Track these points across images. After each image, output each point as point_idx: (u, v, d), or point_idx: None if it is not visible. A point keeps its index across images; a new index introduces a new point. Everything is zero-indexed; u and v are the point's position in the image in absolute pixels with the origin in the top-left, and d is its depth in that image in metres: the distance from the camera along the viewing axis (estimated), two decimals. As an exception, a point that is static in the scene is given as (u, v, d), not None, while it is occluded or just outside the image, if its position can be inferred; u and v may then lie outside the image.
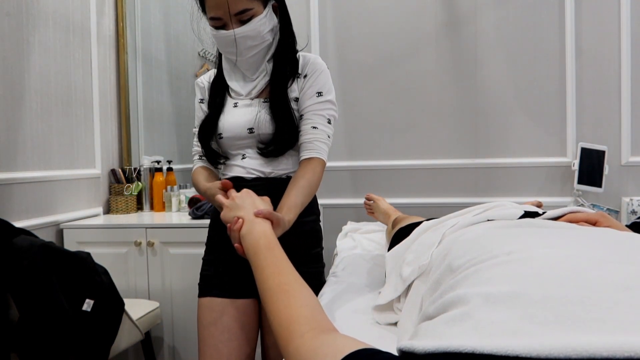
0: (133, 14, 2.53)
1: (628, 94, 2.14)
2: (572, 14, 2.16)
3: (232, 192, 0.96)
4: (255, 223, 0.82)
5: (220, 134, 1.20)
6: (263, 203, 0.90)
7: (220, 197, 0.96)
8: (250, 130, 1.16)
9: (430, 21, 2.28)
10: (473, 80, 2.26)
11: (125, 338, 1.63)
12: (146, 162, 2.50)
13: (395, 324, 0.96)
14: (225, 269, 1.22)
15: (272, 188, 1.16)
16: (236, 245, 0.83)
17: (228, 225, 0.86)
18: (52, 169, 2.03)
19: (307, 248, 1.24)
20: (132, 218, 2.21)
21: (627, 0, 2.12)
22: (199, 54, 2.94)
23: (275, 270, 0.70)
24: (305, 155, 1.14)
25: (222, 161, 1.25)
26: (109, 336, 1.52)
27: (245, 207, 0.87)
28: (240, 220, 0.84)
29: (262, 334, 1.28)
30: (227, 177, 1.23)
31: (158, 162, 2.50)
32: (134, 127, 2.53)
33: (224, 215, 0.89)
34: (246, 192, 0.92)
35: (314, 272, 1.26)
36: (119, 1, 2.47)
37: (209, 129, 1.20)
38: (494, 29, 2.24)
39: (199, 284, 1.26)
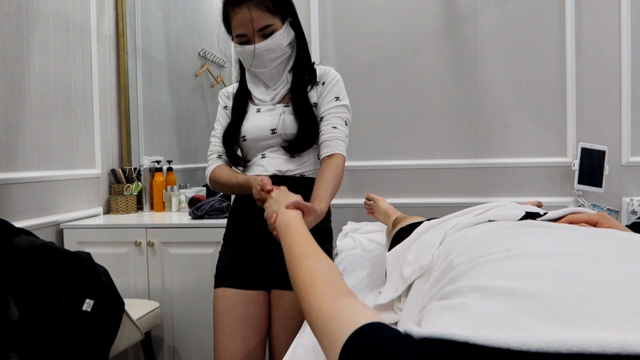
0: (133, 14, 2.53)
1: (628, 94, 2.14)
2: (572, 14, 2.16)
3: (274, 192, 1.07)
4: (286, 212, 0.93)
5: (244, 136, 1.31)
6: (295, 197, 1.01)
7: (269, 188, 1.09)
8: (273, 131, 1.27)
9: (430, 21, 2.28)
10: (473, 80, 2.26)
11: (125, 338, 1.63)
12: (146, 162, 2.50)
13: (396, 324, 0.96)
14: (240, 262, 1.31)
15: (286, 185, 1.24)
16: (274, 233, 0.93)
17: (268, 220, 0.98)
18: (52, 169, 2.03)
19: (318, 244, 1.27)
20: (132, 218, 2.21)
21: (627, 0, 2.12)
22: (199, 54, 2.94)
23: (300, 244, 0.78)
24: (327, 152, 1.25)
25: (241, 163, 1.35)
26: (109, 336, 1.52)
27: (280, 202, 0.98)
28: (275, 214, 0.95)
29: (269, 324, 1.34)
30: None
31: (158, 162, 2.50)
32: (134, 127, 2.53)
33: (265, 213, 1.01)
34: (282, 190, 1.05)
35: None
36: (119, 1, 2.47)
37: (232, 134, 1.32)
38: (494, 29, 2.24)
39: (215, 276, 1.35)
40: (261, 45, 1.21)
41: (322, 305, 0.58)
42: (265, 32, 1.21)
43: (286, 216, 0.91)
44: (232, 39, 1.28)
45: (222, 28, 1.30)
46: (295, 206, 0.95)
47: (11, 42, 1.82)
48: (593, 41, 2.17)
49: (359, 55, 2.34)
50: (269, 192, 1.09)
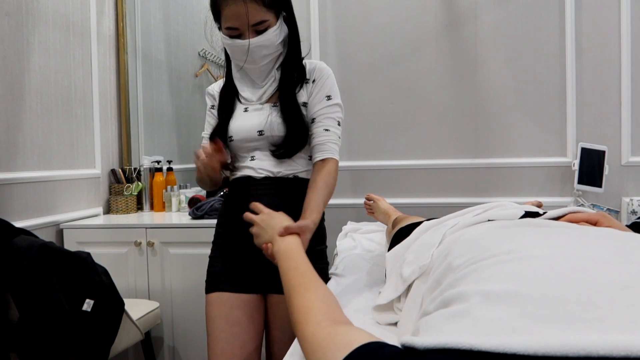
0: (133, 14, 2.53)
1: (628, 94, 2.14)
2: (572, 14, 2.16)
3: (257, 217, 1.02)
4: (281, 241, 0.91)
5: (231, 136, 1.26)
6: (286, 219, 0.98)
7: (250, 215, 1.03)
8: (260, 132, 1.22)
9: (430, 21, 2.28)
10: (473, 80, 2.26)
11: (125, 338, 1.63)
12: (146, 162, 2.50)
13: (396, 324, 0.96)
14: (233, 266, 1.26)
15: (280, 187, 1.24)
16: (274, 262, 0.91)
17: (263, 251, 0.97)
18: (52, 169, 2.03)
19: (311, 245, 1.26)
20: (132, 218, 2.21)
21: (627, 0, 2.12)
22: (199, 54, 2.94)
23: (297, 272, 0.78)
24: (319, 156, 1.21)
25: (230, 167, 1.31)
26: (109, 336, 1.52)
27: (271, 228, 0.96)
28: (269, 245, 0.94)
29: (267, 329, 1.31)
30: (236, 177, 1.29)
31: (158, 162, 2.50)
32: (134, 127, 2.53)
33: (256, 242, 1.00)
34: (268, 215, 1.00)
35: (318, 269, 1.29)
36: (119, 1, 2.47)
37: (220, 135, 1.26)
38: (494, 29, 2.24)
39: (207, 280, 1.30)
40: (254, 41, 1.15)
41: (316, 334, 0.57)
42: (259, 28, 1.15)
43: (283, 244, 0.89)
44: (220, 30, 1.20)
45: (211, 16, 1.23)
46: (289, 232, 0.92)
47: (11, 42, 1.82)
48: (593, 41, 2.17)
49: (359, 55, 2.34)
50: (217, 146, 1.08)
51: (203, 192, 2.46)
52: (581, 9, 2.17)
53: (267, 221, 0.98)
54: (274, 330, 1.29)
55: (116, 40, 2.48)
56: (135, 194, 2.39)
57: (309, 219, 1.06)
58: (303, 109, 1.24)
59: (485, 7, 2.24)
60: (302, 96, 1.25)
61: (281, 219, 0.98)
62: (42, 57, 1.98)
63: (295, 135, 1.21)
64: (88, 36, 2.26)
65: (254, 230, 1.00)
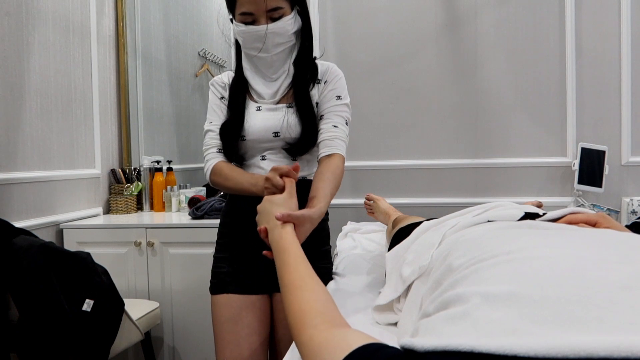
0: (133, 14, 2.53)
1: (628, 94, 2.14)
2: (572, 14, 2.16)
3: (266, 197, 0.97)
4: (275, 228, 0.86)
5: (244, 136, 1.24)
6: (284, 206, 0.91)
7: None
8: (276, 134, 1.22)
9: (430, 21, 2.28)
10: (473, 80, 2.26)
11: (125, 338, 1.63)
12: (146, 162, 2.50)
13: (395, 324, 0.96)
14: (240, 267, 1.26)
15: None
16: (270, 253, 0.87)
17: (260, 234, 0.92)
18: (52, 169, 2.03)
19: (315, 246, 1.27)
20: (132, 218, 2.21)
21: (627, 0, 2.12)
22: (199, 54, 2.94)
23: (291, 268, 0.75)
24: (327, 151, 1.19)
25: (237, 163, 1.29)
26: (109, 336, 1.52)
27: (269, 213, 0.91)
28: (264, 228, 0.89)
29: (273, 327, 1.32)
30: None
31: (158, 162, 2.50)
32: (134, 127, 2.53)
33: (257, 219, 0.95)
34: (267, 200, 0.95)
35: (322, 268, 1.31)
36: (119, 1, 2.47)
37: (231, 132, 1.24)
38: (494, 29, 2.24)
39: (212, 281, 1.29)
40: (270, 27, 1.14)
41: (313, 338, 0.56)
42: (274, 15, 1.14)
43: (276, 233, 0.84)
44: (233, 19, 1.19)
45: (224, 4, 1.22)
46: (285, 220, 0.87)
47: (11, 42, 1.82)
48: (593, 41, 2.17)
49: (359, 55, 2.34)
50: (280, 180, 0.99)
51: (203, 192, 2.46)
52: (581, 8, 2.17)
53: (268, 206, 0.92)
54: (279, 329, 1.30)
55: (116, 40, 2.48)
56: (135, 194, 2.39)
57: (316, 208, 0.99)
58: (315, 109, 1.25)
59: (485, 7, 2.24)
60: (314, 96, 1.25)
61: (281, 203, 0.92)
62: (42, 57, 1.98)
63: (310, 135, 1.21)
64: (88, 36, 2.26)
65: (258, 206, 0.95)
